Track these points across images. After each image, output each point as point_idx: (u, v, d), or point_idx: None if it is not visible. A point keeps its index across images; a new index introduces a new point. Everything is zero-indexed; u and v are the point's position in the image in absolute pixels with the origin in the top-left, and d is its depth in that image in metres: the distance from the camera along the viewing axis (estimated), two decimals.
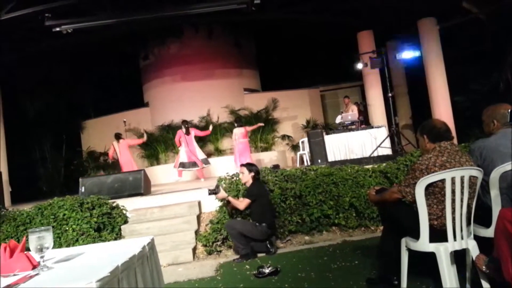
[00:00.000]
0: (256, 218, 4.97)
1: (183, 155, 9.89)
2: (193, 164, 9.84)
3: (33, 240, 1.71)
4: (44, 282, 1.53)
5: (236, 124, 10.53)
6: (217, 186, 5.14)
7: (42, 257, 1.73)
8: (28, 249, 1.80)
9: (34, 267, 1.74)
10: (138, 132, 13.64)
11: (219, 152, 13.19)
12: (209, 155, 13.17)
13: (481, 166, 2.89)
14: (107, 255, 1.92)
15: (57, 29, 8.94)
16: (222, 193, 5.09)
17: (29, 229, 1.78)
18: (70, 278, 1.55)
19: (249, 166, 5.26)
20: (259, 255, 4.86)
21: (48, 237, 1.73)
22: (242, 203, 5.01)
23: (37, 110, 14.17)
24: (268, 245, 4.91)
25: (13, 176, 11.89)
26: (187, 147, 9.85)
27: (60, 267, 1.76)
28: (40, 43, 10.65)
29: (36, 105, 14.15)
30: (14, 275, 1.67)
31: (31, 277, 1.61)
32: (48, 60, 12.28)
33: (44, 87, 13.77)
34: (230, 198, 5.10)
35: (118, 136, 10.07)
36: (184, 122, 10.15)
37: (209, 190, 5.07)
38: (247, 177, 5.14)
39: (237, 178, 5.64)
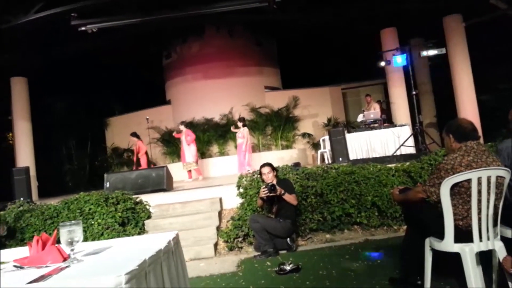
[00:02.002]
0: (282, 214, 4.95)
1: (195, 152, 10.28)
2: None
3: (64, 233, 1.76)
4: (75, 274, 1.58)
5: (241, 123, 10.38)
6: (272, 183, 4.89)
7: (72, 250, 1.78)
8: (58, 242, 1.87)
9: (64, 259, 1.80)
10: (160, 129, 13.86)
11: None
12: (228, 153, 13.30)
13: (508, 166, 2.83)
14: (134, 249, 1.97)
15: (83, 28, 9.15)
16: (279, 189, 4.85)
17: (59, 223, 1.84)
18: (100, 270, 1.59)
19: (272, 165, 5.22)
20: (280, 252, 4.87)
21: (78, 231, 1.78)
22: (295, 198, 4.93)
23: (63, 108, 14.54)
24: (289, 242, 4.92)
25: (40, 172, 12.27)
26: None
27: (89, 260, 1.81)
28: (67, 42, 10.90)
29: (62, 103, 14.53)
30: (46, 266, 1.73)
31: (62, 269, 1.66)
32: (74, 59, 12.56)
33: (70, 86, 14.11)
34: (287, 195, 4.87)
35: (138, 136, 10.38)
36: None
37: (270, 186, 4.79)
38: (272, 177, 5.06)
39: (257, 176, 5.62)
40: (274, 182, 4.98)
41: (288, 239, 4.92)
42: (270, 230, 4.83)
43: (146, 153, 10.40)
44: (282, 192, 4.84)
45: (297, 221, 5.27)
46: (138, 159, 10.34)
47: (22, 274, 1.66)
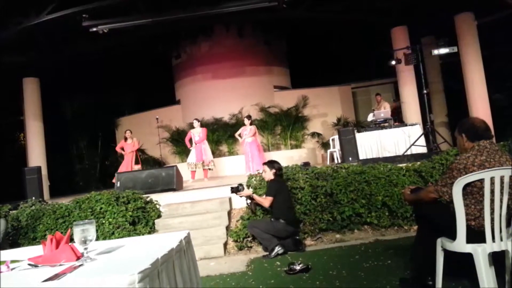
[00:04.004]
0: (273, 214, 5.04)
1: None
2: None
3: (77, 232, 1.79)
4: (89, 272, 1.60)
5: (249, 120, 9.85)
6: (240, 184, 5.20)
7: (85, 248, 1.81)
8: (72, 241, 1.89)
9: (78, 258, 1.82)
10: (170, 129, 13.93)
11: None
12: (237, 152, 13.30)
13: None
14: (146, 248, 1.99)
15: (94, 29, 9.25)
16: (246, 191, 5.18)
17: (72, 222, 1.87)
18: (113, 269, 1.61)
19: (270, 163, 5.28)
20: (291, 253, 4.86)
21: (91, 230, 1.81)
22: (266, 200, 5.05)
23: (74, 109, 14.69)
24: (295, 243, 4.94)
25: (52, 171, 12.42)
26: None
27: (102, 259, 1.83)
28: (78, 43, 11.02)
29: (73, 103, 14.67)
30: (60, 265, 1.76)
31: (75, 267, 1.68)
32: (85, 60, 12.70)
33: (81, 86, 14.25)
34: (255, 196, 5.15)
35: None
36: None
37: (231, 188, 5.14)
38: (269, 175, 5.19)
39: None
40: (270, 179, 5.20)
41: (292, 239, 4.93)
42: (267, 232, 4.90)
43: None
44: (251, 193, 5.15)
45: (295, 220, 5.18)
46: (136, 156, 10.15)
47: (37, 273, 1.68)
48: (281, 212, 4.95)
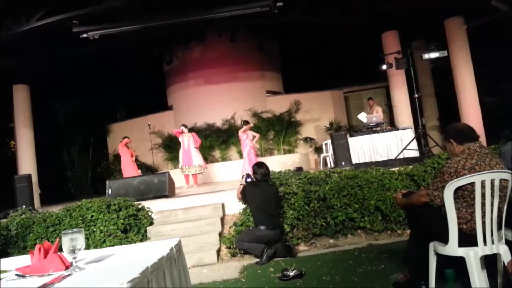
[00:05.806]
0: (254, 221, 5.11)
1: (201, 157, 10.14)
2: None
3: (66, 241, 1.76)
4: (77, 282, 1.58)
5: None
6: (248, 175, 5.53)
7: (74, 258, 1.78)
8: (61, 250, 1.86)
9: (66, 267, 1.79)
10: (162, 135, 13.87)
11: (241, 154, 13.23)
12: (230, 158, 13.28)
13: (511, 169, 2.81)
14: (136, 257, 1.96)
15: (84, 35, 9.19)
16: (242, 181, 5.51)
17: (62, 231, 1.84)
18: (102, 278, 1.58)
19: (254, 167, 5.34)
20: (284, 259, 4.84)
21: (80, 239, 1.78)
22: (237, 194, 5.50)
23: (65, 115, 14.58)
24: (286, 249, 4.92)
25: (43, 179, 12.28)
26: None
27: (91, 268, 1.80)
28: (68, 49, 10.95)
29: (64, 110, 14.56)
30: (49, 275, 1.73)
31: (64, 277, 1.66)
32: (75, 66, 12.62)
33: (72, 92, 14.16)
34: (240, 187, 5.45)
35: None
36: None
37: (243, 176, 5.63)
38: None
39: None
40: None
41: (282, 246, 4.90)
42: (249, 241, 4.95)
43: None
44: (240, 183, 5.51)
45: (279, 225, 5.15)
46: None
47: (25, 283, 1.66)
48: (257, 218, 4.99)
